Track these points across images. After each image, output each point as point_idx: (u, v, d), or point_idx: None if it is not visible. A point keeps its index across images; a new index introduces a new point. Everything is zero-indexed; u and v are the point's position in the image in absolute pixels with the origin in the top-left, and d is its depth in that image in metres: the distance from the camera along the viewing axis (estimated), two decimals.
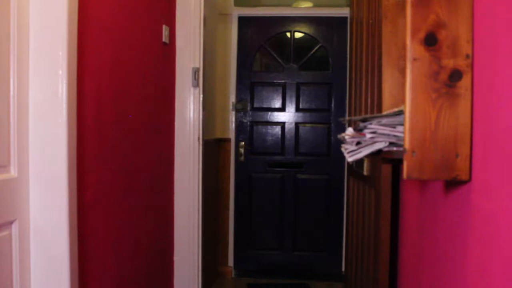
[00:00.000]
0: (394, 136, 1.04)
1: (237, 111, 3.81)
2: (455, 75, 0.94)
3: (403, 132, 1.00)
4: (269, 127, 3.83)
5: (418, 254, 1.39)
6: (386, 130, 1.05)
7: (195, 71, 2.79)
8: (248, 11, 3.82)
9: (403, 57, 1.41)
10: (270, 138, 3.83)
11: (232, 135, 3.82)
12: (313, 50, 3.82)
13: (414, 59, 0.94)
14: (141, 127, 2.30)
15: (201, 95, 2.82)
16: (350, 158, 1.10)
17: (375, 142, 1.06)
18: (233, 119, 3.83)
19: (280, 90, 3.81)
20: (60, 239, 1.55)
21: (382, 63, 1.50)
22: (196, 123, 2.81)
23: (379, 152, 1.08)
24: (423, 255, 1.33)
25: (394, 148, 1.05)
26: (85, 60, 1.69)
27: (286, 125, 3.81)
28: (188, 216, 2.82)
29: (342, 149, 1.15)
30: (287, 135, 3.81)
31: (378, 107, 1.67)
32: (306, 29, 3.83)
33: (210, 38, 3.39)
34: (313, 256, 3.83)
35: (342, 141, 1.15)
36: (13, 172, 1.46)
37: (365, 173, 1.96)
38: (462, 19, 0.94)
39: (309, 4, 3.91)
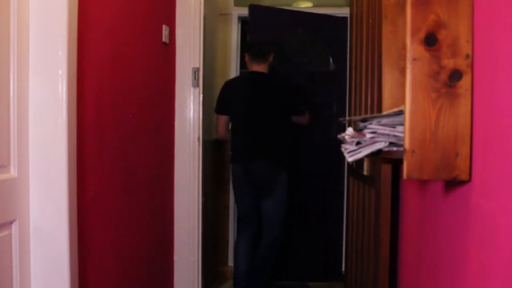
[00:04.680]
0: (394, 136, 1.04)
1: None
2: (455, 75, 0.94)
3: (403, 132, 1.00)
4: None
5: (418, 254, 1.39)
6: (386, 130, 1.05)
7: (195, 71, 2.79)
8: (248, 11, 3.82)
9: (403, 57, 1.41)
10: None
11: None
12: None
13: (414, 59, 0.94)
14: (141, 127, 2.30)
15: (201, 95, 2.82)
16: (350, 158, 1.10)
17: (375, 142, 1.06)
18: None
19: None
20: (60, 239, 1.55)
21: (382, 63, 1.50)
22: (196, 123, 2.81)
23: (379, 152, 1.08)
24: (423, 255, 1.33)
25: (394, 148, 1.05)
26: (85, 60, 1.69)
27: None
28: (188, 216, 2.82)
29: (342, 149, 1.15)
30: None
31: (378, 107, 1.67)
32: (306, 29, 3.83)
33: (210, 38, 3.39)
34: (313, 256, 3.83)
35: (342, 141, 1.16)
36: (13, 172, 1.46)
37: (365, 173, 1.96)
38: (462, 19, 0.94)
39: (309, 4, 3.91)
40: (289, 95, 3.19)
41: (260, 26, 3.64)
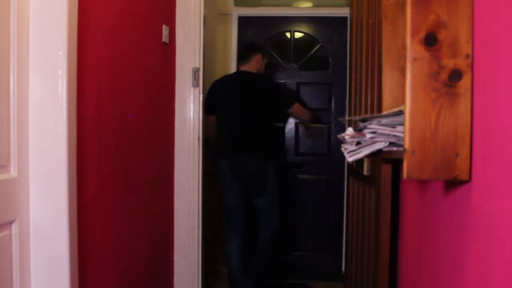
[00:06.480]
0: (394, 136, 1.04)
1: None
2: (455, 75, 0.94)
3: (403, 132, 1.00)
4: None
5: (418, 254, 1.39)
6: (386, 130, 1.05)
7: (195, 71, 2.79)
8: (248, 11, 3.82)
9: (403, 57, 1.41)
10: None
11: None
12: (313, 50, 3.83)
13: (414, 59, 0.94)
14: (141, 127, 2.30)
15: (201, 95, 2.82)
16: (350, 158, 1.10)
17: (375, 142, 1.06)
18: None
19: None
20: (60, 239, 1.55)
21: (382, 63, 1.50)
22: (196, 123, 2.81)
23: (379, 152, 1.08)
24: (423, 255, 1.33)
25: (394, 148, 1.05)
26: (85, 60, 1.69)
27: (286, 125, 3.81)
28: (188, 216, 2.82)
29: (342, 149, 1.15)
30: (287, 135, 3.82)
31: (378, 107, 1.67)
32: (306, 29, 3.83)
33: (210, 38, 3.39)
34: (313, 256, 3.83)
35: (342, 141, 1.16)
36: (13, 172, 1.46)
37: (365, 173, 1.96)
38: (462, 19, 0.94)
39: (309, 4, 3.91)
40: (275, 90, 3.18)
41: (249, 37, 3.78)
